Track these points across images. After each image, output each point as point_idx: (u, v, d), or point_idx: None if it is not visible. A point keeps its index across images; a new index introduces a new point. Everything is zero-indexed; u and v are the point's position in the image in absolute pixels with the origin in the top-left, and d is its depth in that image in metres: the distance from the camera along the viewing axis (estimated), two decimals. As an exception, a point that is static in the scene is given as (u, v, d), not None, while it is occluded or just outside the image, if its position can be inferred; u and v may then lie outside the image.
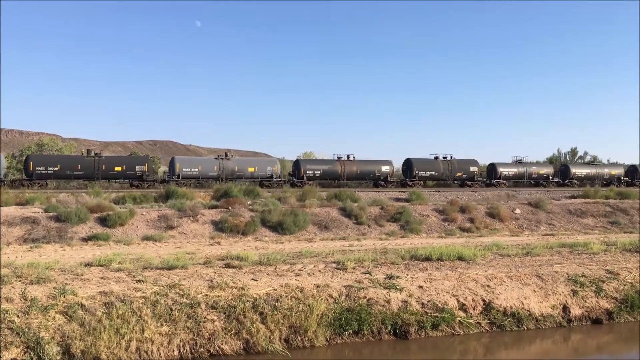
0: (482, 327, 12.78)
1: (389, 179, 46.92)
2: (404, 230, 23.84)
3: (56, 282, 11.84)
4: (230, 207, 23.99)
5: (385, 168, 47.30)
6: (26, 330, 9.89)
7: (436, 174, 48.58)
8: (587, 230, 26.39)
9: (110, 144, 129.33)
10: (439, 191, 37.45)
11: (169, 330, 10.67)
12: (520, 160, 53.47)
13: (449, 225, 25.36)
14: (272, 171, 44.45)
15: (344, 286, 12.76)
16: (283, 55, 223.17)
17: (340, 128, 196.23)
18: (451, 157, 50.29)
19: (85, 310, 10.58)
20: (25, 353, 9.59)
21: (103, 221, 21.10)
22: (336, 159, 46.83)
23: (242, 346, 10.96)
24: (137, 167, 41.29)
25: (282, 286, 12.41)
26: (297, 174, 44.87)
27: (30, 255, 15.84)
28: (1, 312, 10.13)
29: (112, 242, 19.20)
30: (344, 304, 12.18)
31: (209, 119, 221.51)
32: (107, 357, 9.93)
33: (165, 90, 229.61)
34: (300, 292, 12.23)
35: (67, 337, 9.98)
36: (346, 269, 14.24)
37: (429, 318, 12.41)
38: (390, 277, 13.55)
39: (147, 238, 20.06)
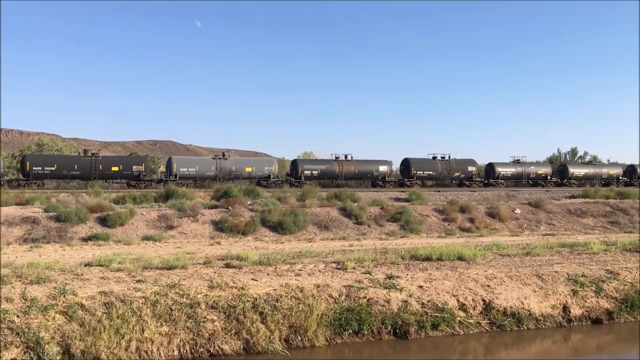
0: (482, 327, 12.78)
1: (387, 178, 46.93)
2: (404, 230, 23.84)
3: (56, 282, 11.83)
4: (230, 207, 23.99)
5: (383, 168, 47.28)
6: (26, 330, 9.89)
7: (434, 173, 48.63)
8: (587, 230, 26.40)
9: (110, 144, 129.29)
10: (439, 191, 37.48)
11: (169, 330, 10.66)
12: (518, 160, 53.50)
13: (449, 225, 25.36)
14: (270, 171, 44.45)
15: (344, 286, 12.76)
16: (283, 55, 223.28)
17: (340, 128, 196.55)
18: (449, 157, 50.46)
19: (85, 310, 10.57)
20: (25, 353, 9.58)
21: (103, 221, 21.10)
22: (334, 158, 46.85)
23: (242, 346, 10.96)
24: (135, 167, 41.23)
25: (282, 286, 12.40)
26: (294, 173, 44.89)
27: (30, 255, 15.83)
28: (1, 312, 10.12)
29: (112, 242, 19.20)
30: (344, 304, 12.18)
31: (209, 119, 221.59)
32: (107, 357, 9.92)
33: (165, 90, 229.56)
34: (300, 292, 12.23)
35: (67, 337, 9.98)
36: (346, 269, 14.24)
37: (429, 318, 12.40)
38: (390, 277, 13.55)
39: (147, 238, 20.06)
